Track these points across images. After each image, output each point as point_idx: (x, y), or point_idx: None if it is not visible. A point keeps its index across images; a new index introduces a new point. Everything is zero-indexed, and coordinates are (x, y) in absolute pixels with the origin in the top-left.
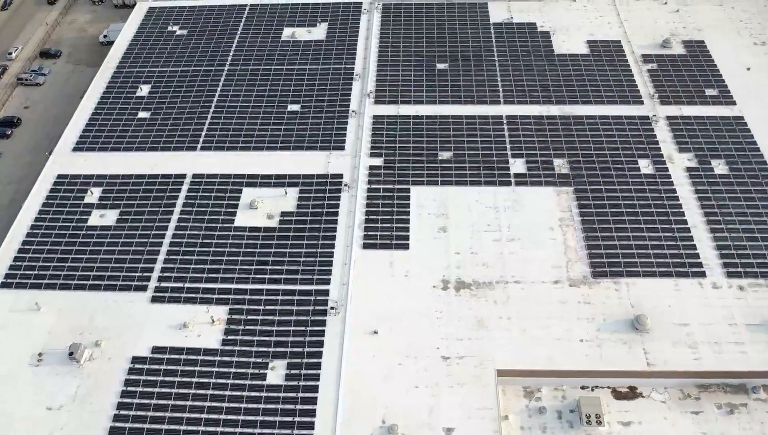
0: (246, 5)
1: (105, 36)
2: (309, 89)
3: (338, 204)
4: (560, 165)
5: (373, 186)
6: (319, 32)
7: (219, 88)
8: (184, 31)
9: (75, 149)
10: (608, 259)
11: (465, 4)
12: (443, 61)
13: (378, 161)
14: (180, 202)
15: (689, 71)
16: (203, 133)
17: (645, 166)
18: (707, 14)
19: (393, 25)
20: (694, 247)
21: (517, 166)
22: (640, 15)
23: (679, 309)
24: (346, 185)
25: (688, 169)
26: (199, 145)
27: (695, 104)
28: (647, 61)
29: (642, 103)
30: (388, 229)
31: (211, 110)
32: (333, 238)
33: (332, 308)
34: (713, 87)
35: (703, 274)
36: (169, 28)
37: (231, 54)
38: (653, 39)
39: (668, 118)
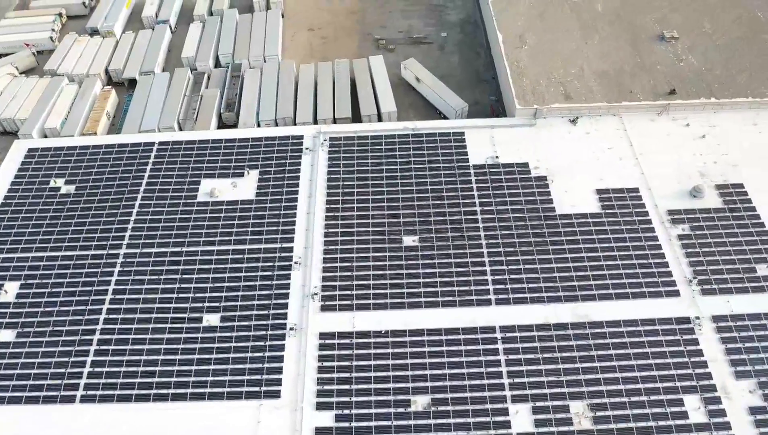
0: (153, 143)
1: None
2: (233, 287)
3: None
4: (580, 413)
5: None
6: (247, 186)
7: (111, 288)
8: (71, 188)
9: None
10: None
11: (436, 133)
12: (412, 232)
13: (327, 418)
14: None
15: (731, 235)
16: (86, 372)
17: (694, 407)
18: (741, 140)
19: (344, 172)
20: None
21: (521, 418)
22: (658, 144)
23: None
24: None
25: (753, 411)
26: (78, 395)
27: (746, 292)
28: (676, 220)
29: (677, 293)
30: None
31: (99, 328)
32: None
33: None
34: (765, 261)
35: None
36: (52, 182)
37: (130, 228)
38: (679, 183)
39: (715, 319)
